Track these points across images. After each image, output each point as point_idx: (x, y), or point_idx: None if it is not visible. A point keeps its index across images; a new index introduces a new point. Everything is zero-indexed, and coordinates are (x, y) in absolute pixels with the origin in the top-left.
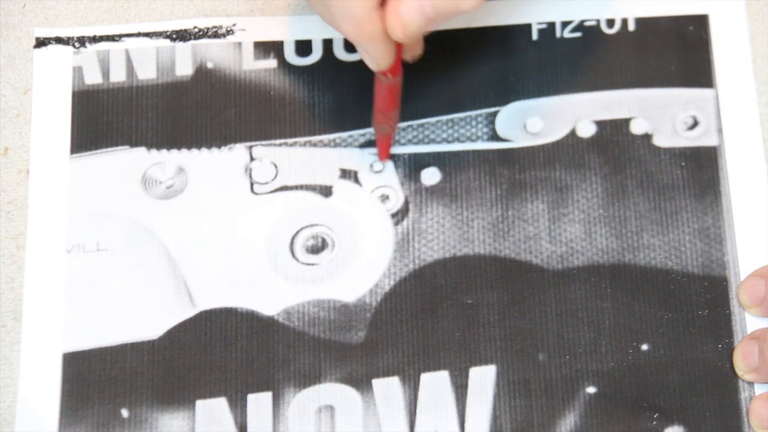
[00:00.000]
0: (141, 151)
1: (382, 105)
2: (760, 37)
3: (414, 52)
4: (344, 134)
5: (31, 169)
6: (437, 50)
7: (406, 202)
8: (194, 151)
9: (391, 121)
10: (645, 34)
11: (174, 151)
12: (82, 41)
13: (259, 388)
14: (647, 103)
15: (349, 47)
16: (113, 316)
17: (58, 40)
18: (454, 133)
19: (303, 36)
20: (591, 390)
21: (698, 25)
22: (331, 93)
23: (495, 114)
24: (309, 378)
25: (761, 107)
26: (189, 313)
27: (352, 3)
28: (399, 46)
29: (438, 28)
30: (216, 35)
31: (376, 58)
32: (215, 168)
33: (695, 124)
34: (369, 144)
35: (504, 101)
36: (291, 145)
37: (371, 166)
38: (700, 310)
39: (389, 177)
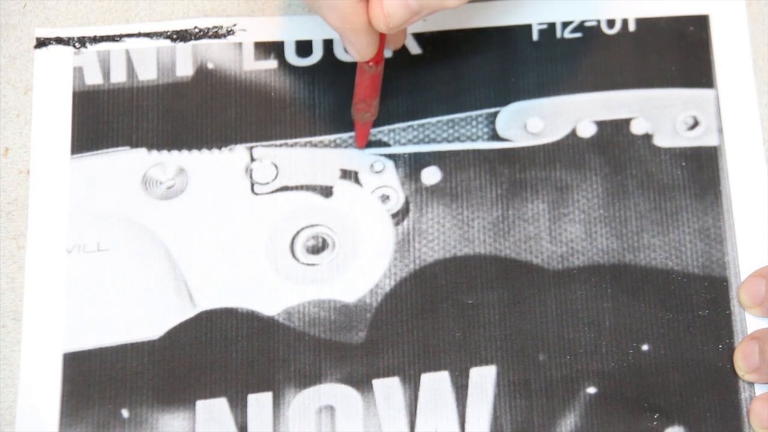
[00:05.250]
0: (141, 152)
1: (365, 93)
2: (760, 37)
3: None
4: (344, 135)
5: (32, 169)
6: (438, 50)
7: (407, 202)
8: (195, 151)
9: (372, 108)
10: (645, 35)
11: (174, 152)
12: (82, 41)
13: (259, 389)
14: (648, 104)
15: None
16: (113, 317)
17: (59, 41)
18: (455, 132)
19: (303, 36)
20: (591, 390)
21: (699, 25)
22: (331, 93)
23: (495, 114)
24: (309, 378)
25: (761, 107)
26: (189, 313)
27: None
28: (382, 36)
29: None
30: (216, 35)
31: (360, 49)
32: (216, 168)
33: (696, 124)
34: (369, 144)
35: (504, 101)
36: (291, 145)
37: (371, 166)
38: (700, 311)
39: (389, 177)
